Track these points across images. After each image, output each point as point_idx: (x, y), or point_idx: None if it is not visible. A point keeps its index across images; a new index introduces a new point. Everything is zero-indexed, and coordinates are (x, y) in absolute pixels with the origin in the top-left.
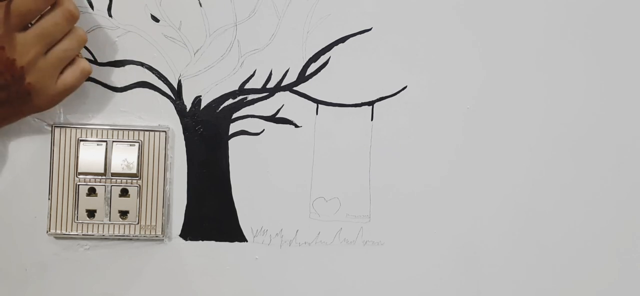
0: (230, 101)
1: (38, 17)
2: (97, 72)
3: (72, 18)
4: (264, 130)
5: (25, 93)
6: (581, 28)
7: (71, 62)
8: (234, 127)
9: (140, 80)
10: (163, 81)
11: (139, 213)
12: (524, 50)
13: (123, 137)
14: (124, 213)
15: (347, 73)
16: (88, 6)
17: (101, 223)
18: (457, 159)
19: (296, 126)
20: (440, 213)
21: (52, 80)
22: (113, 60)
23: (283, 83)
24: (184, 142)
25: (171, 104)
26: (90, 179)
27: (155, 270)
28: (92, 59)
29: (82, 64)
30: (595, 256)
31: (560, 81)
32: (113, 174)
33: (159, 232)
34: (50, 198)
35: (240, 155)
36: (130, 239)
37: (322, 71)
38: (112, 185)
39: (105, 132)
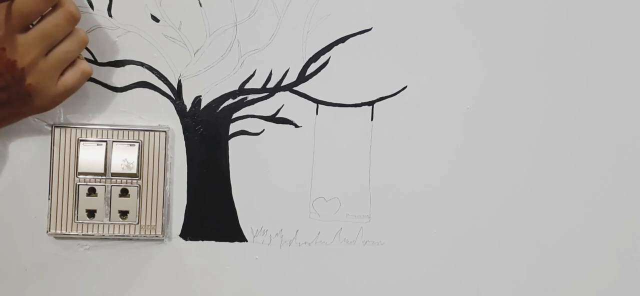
0: (230, 101)
1: (39, 18)
2: (97, 72)
3: (73, 19)
4: (264, 130)
5: (25, 94)
6: (581, 28)
7: (72, 63)
8: (234, 127)
9: (140, 80)
10: (163, 81)
11: (139, 213)
12: (524, 50)
13: (123, 137)
14: (124, 213)
15: (347, 73)
16: (88, 6)
17: (101, 223)
18: (457, 159)
19: (296, 126)
20: (440, 213)
21: (53, 81)
22: (113, 60)
23: (283, 84)
24: (184, 142)
25: (171, 104)
26: (90, 179)
27: (155, 270)
28: (92, 59)
29: (83, 66)
30: (595, 256)
31: (560, 81)
32: (113, 174)
33: (159, 232)
34: (50, 198)
35: (240, 155)
36: (130, 239)
37: (322, 71)
38: (112, 185)
39: (105, 132)
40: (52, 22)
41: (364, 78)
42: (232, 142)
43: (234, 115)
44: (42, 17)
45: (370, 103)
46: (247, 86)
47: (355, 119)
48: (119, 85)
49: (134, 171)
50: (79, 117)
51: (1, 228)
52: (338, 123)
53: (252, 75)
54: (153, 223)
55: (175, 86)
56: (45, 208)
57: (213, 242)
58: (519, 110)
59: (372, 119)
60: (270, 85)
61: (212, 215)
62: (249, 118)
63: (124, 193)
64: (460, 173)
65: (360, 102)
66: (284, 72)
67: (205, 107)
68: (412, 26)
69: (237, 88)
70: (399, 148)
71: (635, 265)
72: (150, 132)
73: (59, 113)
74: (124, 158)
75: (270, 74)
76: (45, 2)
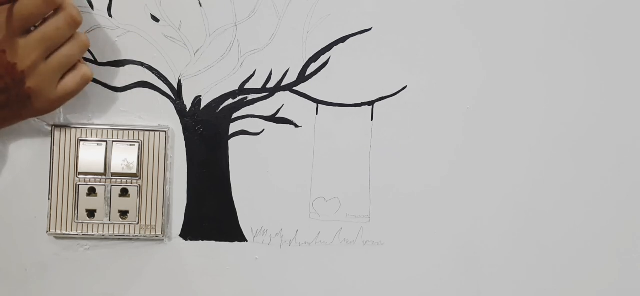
0: (230, 101)
1: (40, 21)
2: (97, 72)
3: (75, 23)
4: (264, 130)
5: (25, 97)
6: (581, 28)
7: (72, 67)
8: (234, 127)
9: (140, 80)
10: (163, 81)
11: (139, 213)
12: (524, 50)
13: (123, 137)
14: (124, 213)
15: (347, 73)
16: (88, 6)
17: (101, 223)
18: (457, 159)
19: (296, 126)
20: (440, 213)
21: (53, 84)
22: (113, 60)
23: (283, 83)
24: (184, 142)
25: (171, 104)
26: (90, 179)
27: (155, 270)
28: (92, 59)
29: (84, 70)
30: (595, 256)
31: (560, 81)
32: (113, 174)
33: (159, 232)
34: (50, 198)
35: (240, 155)
36: (130, 239)
37: (322, 71)
38: (112, 185)
39: (105, 132)
40: (53, 25)
41: (364, 78)
42: (232, 142)
43: (234, 115)
44: (44, 21)
45: (370, 103)
46: (247, 86)
47: (355, 119)
48: (119, 85)
49: (134, 171)
50: (79, 117)
51: (1, 228)
52: (338, 123)
53: (252, 75)
54: (153, 223)
55: (175, 86)
56: (45, 208)
57: (213, 242)
58: (519, 110)
59: (372, 119)
60: (270, 85)
61: (212, 215)
62: (249, 118)
63: (124, 193)
64: (460, 173)
65: (360, 102)
66: (284, 72)
67: (205, 107)
68: (412, 26)
69: (237, 88)
70: (399, 148)
71: (635, 265)
72: (150, 132)
73: (59, 113)
74: (124, 158)
75: (270, 73)
76: (46, 6)
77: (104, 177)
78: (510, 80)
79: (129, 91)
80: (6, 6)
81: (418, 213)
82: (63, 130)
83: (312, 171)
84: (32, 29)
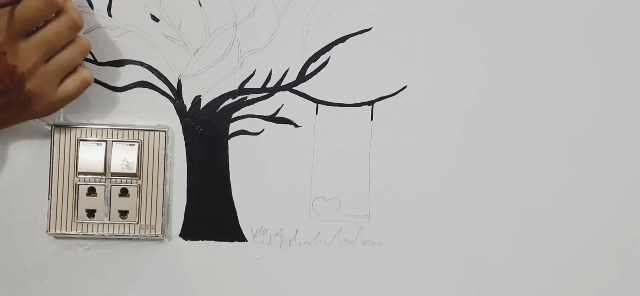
0: (230, 101)
1: (42, 24)
2: (97, 72)
3: (76, 27)
4: (264, 130)
5: (25, 99)
6: (581, 28)
7: (73, 70)
8: (234, 127)
9: (140, 80)
10: (163, 81)
11: (139, 213)
12: (524, 50)
13: (123, 137)
14: (124, 213)
15: (347, 73)
16: (88, 6)
17: (101, 223)
18: (457, 159)
19: (296, 126)
20: (440, 213)
21: (53, 88)
22: (113, 60)
23: (283, 83)
24: (184, 142)
25: (171, 104)
26: (90, 179)
27: (155, 270)
28: (92, 59)
29: (84, 74)
30: (595, 256)
31: (560, 81)
32: (113, 174)
33: (159, 232)
34: (50, 198)
35: (240, 155)
36: (130, 239)
37: (322, 71)
38: (112, 185)
39: (105, 132)
40: (55, 29)
41: (364, 78)
42: (232, 142)
43: (234, 115)
44: (45, 24)
45: (370, 103)
46: (247, 86)
47: (355, 119)
48: (119, 85)
49: (134, 171)
50: (79, 117)
51: (1, 228)
52: (338, 123)
53: (252, 75)
54: (153, 223)
55: (175, 86)
56: (45, 208)
57: (213, 242)
58: (519, 110)
59: (372, 119)
60: (270, 85)
61: (212, 215)
62: (249, 118)
63: (124, 193)
64: (460, 173)
65: (360, 102)
66: (284, 72)
67: (205, 107)
68: (412, 26)
69: (237, 88)
70: (399, 148)
71: (635, 265)
72: (150, 132)
73: (59, 113)
74: (124, 158)
75: (270, 73)
76: (48, 9)
77: (104, 177)
78: (510, 80)
79: (129, 91)
80: (8, 9)
81: (418, 213)
82: (63, 130)
83: (312, 171)
84: (34, 31)
